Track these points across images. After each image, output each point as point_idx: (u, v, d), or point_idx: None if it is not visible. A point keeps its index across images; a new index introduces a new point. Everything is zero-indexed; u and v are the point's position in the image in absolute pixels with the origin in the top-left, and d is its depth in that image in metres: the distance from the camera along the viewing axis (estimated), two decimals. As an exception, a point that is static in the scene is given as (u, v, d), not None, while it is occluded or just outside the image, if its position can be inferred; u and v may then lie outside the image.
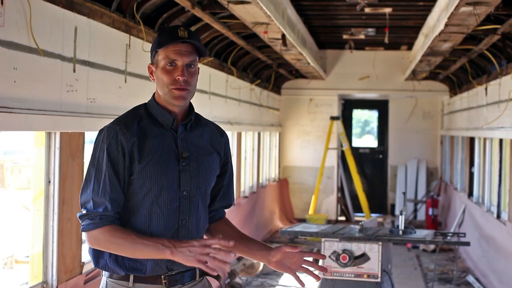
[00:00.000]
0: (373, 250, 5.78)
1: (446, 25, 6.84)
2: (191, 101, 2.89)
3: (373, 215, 14.25)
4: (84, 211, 2.71)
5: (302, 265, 2.79)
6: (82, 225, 2.71)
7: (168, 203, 2.74)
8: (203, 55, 2.81)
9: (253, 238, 3.00)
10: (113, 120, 2.81)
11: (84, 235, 2.72)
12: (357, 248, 5.83)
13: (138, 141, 2.71)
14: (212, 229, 3.00)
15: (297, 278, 2.81)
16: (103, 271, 2.80)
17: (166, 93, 2.75)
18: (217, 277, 2.82)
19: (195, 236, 2.80)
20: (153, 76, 2.80)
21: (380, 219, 14.48)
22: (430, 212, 13.34)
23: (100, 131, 2.76)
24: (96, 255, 2.77)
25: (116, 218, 2.71)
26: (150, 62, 2.84)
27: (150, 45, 6.62)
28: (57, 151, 4.79)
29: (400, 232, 5.94)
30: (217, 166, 2.92)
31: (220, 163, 2.95)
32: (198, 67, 2.83)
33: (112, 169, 2.68)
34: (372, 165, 16.33)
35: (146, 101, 2.88)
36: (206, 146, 2.89)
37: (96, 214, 2.68)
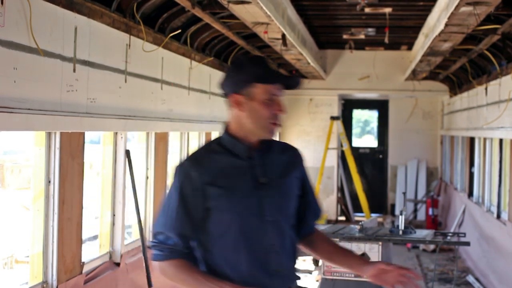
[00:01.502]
0: (373, 250, 5.78)
1: (446, 25, 6.83)
2: None
3: (373, 215, 14.24)
4: (155, 242, 2.78)
5: (399, 280, 2.83)
6: (153, 255, 2.79)
7: (254, 231, 2.76)
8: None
9: (350, 250, 3.10)
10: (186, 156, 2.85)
11: (154, 263, 2.80)
12: (357, 248, 5.83)
13: (212, 175, 2.73)
14: (310, 244, 3.06)
15: None
16: None
17: (261, 126, 2.77)
18: None
19: (286, 259, 2.83)
20: (240, 107, 2.79)
21: (380, 219, 14.48)
22: (430, 212, 13.34)
23: (176, 168, 2.80)
24: None
25: (187, 252, 2.76)
26: (232, 91, 2.84)
27: (150, 45, 6.65)
28: (57, 151, 4.79)
29: (400, 232, 5.94)
30: (296, 187, 2.94)
31: (299, 183, 2.96)
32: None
33: (183, 206, 2.72)
34: (372, 165, 16.33)
35: (218, 136, 2.90)
36: (283, 169, 2.89)
37: (166, 247, 2.74)
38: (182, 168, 2.76)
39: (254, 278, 2.73)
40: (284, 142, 3.04)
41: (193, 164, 2.76)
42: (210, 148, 2.83)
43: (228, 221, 2.73)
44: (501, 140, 9.29)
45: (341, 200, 15.40)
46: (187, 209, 2.72)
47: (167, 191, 2.81)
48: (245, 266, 2.73)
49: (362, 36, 12.09)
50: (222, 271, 2.73)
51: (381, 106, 16.35)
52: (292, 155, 2.98)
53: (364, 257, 3.04)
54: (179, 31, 7.24)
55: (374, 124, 17.60)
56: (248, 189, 2.76)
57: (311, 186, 3.06)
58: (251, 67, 2.76)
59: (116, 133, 6.10)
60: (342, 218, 15.34)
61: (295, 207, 2.92)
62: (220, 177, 2.74)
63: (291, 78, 2.78)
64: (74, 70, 4.95)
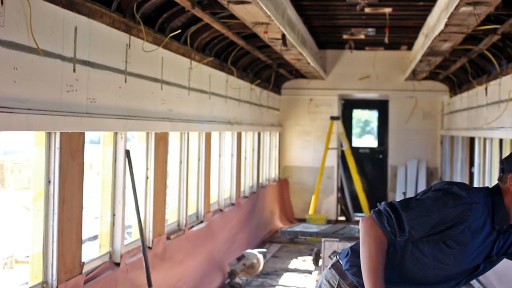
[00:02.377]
0: (373, 250, 5.76)
1: (446, 25, 6.84)
2: None
3: (373, 215, 14.22)
4: (392, 214, 2.93)
5: None
6: (377, 216, 2.94)
7: (449, 281, 3.05)
8: None
9: None
10: (465, 186, 2.98)
11: (367, 218, 2.98)
12: (357, 248, 5.82)
13: (475, 226, 2.92)
14: None
15: None
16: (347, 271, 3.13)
17: None
18: None
19: None
20: None
21: (380, 219, 14.45)
22: (430, 212, 13.32)
23: (456, 192, 2.94)
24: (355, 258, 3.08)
25: (397, 241, 2.97)
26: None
27: (150, 45, 6.65)
28: (57, 151, 4.79)
29: (400, 232, 5.92)
30: None
31: None
32: None
33: (436, 223, 2.89)
34: (372, 165, 16.33)
35: (492, 188, 3.03)
36: (506, 247, 3.08)
37: (392, 226, 2.92)
38: (463, 200, 2.90)
39: None
40: None
41: (474, 205, 2.90)
42: (487, 202, 2.97)
43: (444, 262, 2.97)
44: (501, 140, 9.29)
45: (341, 200, 15.40)
46: (435, 228, 2.91)
47: (436, 197, 2.95)
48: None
49: (362, 36, 12.10)
50: (397, 280, 3.02)
51: (381, 106, 16.34)
52: None
53: None
54: (179, 31, 7.24)
55: (374, 124, 17.61)
56: (480, 256, 3.00)
57: None
58: None
59: (116, 133, 6.10)
60: (342, 218, 15.33)
61: None
62: (477, 232, 2.93)
63: None
64: (74, 70, 4.95)
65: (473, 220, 2.89)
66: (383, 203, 2.99)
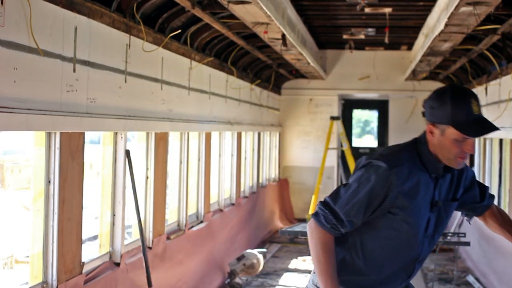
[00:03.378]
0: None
1: (446, 25, 6.84)
2: None
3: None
4: (326, 211, 2.94)
5: None
6: (316, 219, 2.96)
7: (414, 244, 3.01)
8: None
9: None
10: (383, 153, 2.96)
11: (309, 223, 3.01)
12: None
13: (409, 187, 2.91)
14: (484, 220, 3.41)
15: None
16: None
17: (448, 160, 2.93)
18: None
19: (419, 266, 3.14)
20: (431, 136, 2.97)
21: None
22: (430, 212, 13.33)
23: (375, 161, 2.91)
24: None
25: (341, 233, 2.97)
26: (428, 119, 3.01)
27: (150, 45, 6.65)
28: (57, 151, 4.79)
29: (400, 232, 5.92)
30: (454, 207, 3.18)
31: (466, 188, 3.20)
32: None
33: (367, 201, 2.89)
34: (372, 165, 16.31)
35: (416, 139, 3.05)
36: (452, 191, 3.10)
37: (332, 223, 2.93)
38: (383, 169, 2.88)
39: (386, 282, 3.07)
40: (467, 167, 3.20)
41: (395, 173, 2.88)
42: (411, 158, 2.96)
43: (399, 230, 2.96)
44: (501, 140, 9.29)
45: (341, 200, 15.38)
46: (370, 206, 2.90)
47: (359, 176, 2.93)
48: (387, 269, 3.04)
49: (362, 36, 12.10)
50: (368, 265, 3.01)
51: (381, 106, 16.34)
52: (463, 175, 3.15)
53: None
54: (179, 31, 7.24)
55: (374, 124, 17.62)
56: (426, 209, 2.98)
57: (475, 185, 3.25)
58: (454, 109, 2.88)
59: (116, 133, 6.10)
60: (342, 218, 15.32)
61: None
62: (415, 191, 2.92)
63: (489, 130, 2.91)
64: (74, 70, 4.95)
65: (402, 183, 2.88)
66: (317, 203, 3.03)
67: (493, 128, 2.92)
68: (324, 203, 2.96)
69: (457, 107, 2.87)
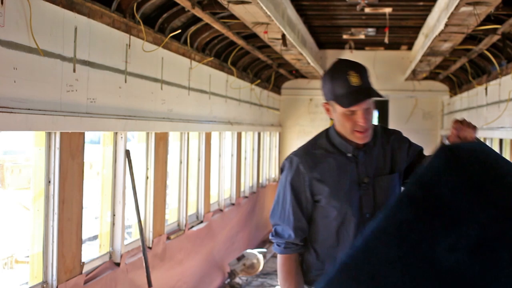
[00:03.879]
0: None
1: (446, 25, 6.83)
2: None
3: (373, 215, 14.22)
4: (274, 233, 3.01)
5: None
6: (273, 246, 3.05)
7: (353, 226, 2.95)
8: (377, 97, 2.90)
9: None
10: (295, 150, 3.00)
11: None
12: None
13: (321, 172, 2.90)
14: None
15: None
16: None
17: (348, 134, 2.91)
18: None
19: None
20: (329, 113, 2.98)
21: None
22: (430, 212, 13.32)
23: (284, 161, 2.97)
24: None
25: (301, 245, 3.00)
26: (324, 97, 2.99)
27: (150, 45, 6.65)
28: (57, 151, 4.79)
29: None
30: (397, 180, 3.06)
31: (407, 160, 3.09)
32: (373, 102, 2.93)
33: (295, 200, 2.92)
34: (372, 165, 16.32)
35: (328, 127, 3.02)
36: (387, 165, 3.02)
37: (283, 241, 2.99)
38: (291, 163, 2.91)
39: None
40: (388, 130, 3.10)
41: (301, 160, 2.91)
42: (318, 144, 2.97)
43: (332, 216, 2.94)
44: (501, 140, 9.29)
45: (341, 200, 15.40)
46: (300, 204, 2.91)
47: (280, 181, 3.00)
48: (340, 257, 2.94)
49: (362, 36, 12.09)
50: (322, 259, 3.00)
51: (381, 106, 16.34)
52: (396, 144, 3.07)
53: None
54: (179, 31, 7.24)
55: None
56: (351, 188, 2.93)
57: (416, 148, 3.17)
58: (333, 84, 2.89)
59: (116, 133, 6.10)
60: (342, 218, 15.33)
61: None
62: (328, 174, 2.90)
63: (363, 98, 2.84)
64: (74, 70, 4.95)
65: (310, 169, 2.89)
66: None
67: (368, 95, 2.84)
68: (273, 228, 3.02)
69: (335, 81, 2.88)
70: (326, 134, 3.00)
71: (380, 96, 2.85)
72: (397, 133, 3.13)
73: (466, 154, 2.59)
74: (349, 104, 2.83)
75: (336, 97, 2.87)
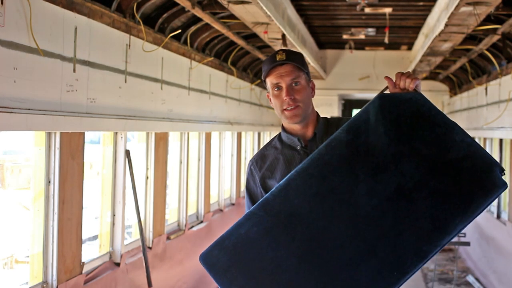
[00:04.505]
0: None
1: (446, 25, 6.84)
2: (318, 113, 3.00)
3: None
4: None
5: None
6: None
7: None
8: (305, 71, 2.90)
9: None
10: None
11: None
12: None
13: (270, 169, 2.93)
14: None
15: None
16: None
17: (281, 116, 2.92)
18: None
19: None
20: (270, 101, 2.98)
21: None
22: (430, 212, 13.32)
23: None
24: None
25: None
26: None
27: (150, 45, 6.66)
28: (57, 151, 4.79)
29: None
30: None
31: None
32: (311, 81, 2.94)
33: (251, 202, 2.95)
34: (372, 165, 16.31)
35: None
36: None
37: None
38: (248, 166, 2.99)
39: None
40: (341, 118, 3.07)
41: (255, 160, 2.98)
42: (271, 145, 3.02)
43: None
44: (501, 140, 9.29)
45: (341, 200, 15.39)
46: (254, 203, 2.92)
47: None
48: None
49: (362, 36, 12.10)
50: None
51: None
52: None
53: None
54: (179, 31, 7.24)
55: (374, 124, 17.60)
56: None
57: None
58: (264, 64, 2.93)
59: (116, 133, 6.10)
60: (342, 218, 15.32)
61: None
62: (276, 169, 2.92)
63: (283, 61, 2.85)
64: (74, 70, 4.95)
65: (259, 168, 2.95)
66: None
67: (286, 62, 2.86)
68: None
69: (266, 61, 2.92)
70: (279, 134, 3.04)
71: (305, 68, 2.88)
72: (345, 120, 3.14)
73: (399, 104, 2.65)
74: (267, 71, 2.87)
75: (263, 73, 2.91)
